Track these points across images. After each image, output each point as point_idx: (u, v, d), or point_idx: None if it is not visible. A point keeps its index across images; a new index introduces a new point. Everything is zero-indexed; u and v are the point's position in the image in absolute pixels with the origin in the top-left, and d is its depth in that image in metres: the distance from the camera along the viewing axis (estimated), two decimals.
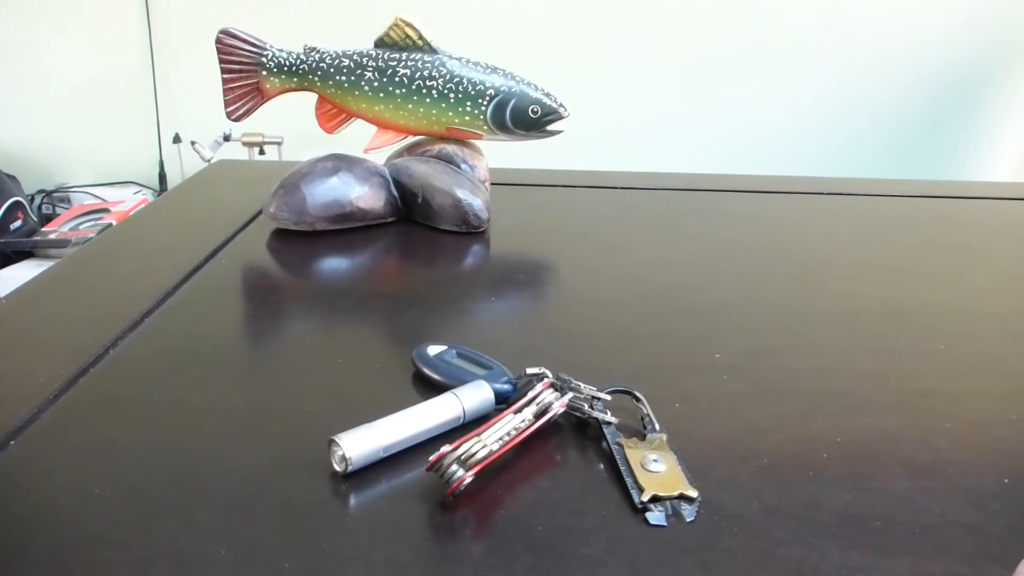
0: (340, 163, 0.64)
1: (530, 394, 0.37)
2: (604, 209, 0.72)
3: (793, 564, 0.30)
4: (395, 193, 0.65)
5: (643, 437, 0.37)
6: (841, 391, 0.43)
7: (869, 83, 2.00)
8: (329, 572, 0.30)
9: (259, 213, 0.66)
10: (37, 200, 2.21)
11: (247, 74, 0.65)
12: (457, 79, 0.62)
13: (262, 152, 2.06)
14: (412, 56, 0.62)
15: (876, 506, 0.33)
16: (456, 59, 0.62)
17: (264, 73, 0.65)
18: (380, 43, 0.63)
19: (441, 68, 0.62)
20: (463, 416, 0.38)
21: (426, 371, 0.42)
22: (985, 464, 0.36)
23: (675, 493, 0.33)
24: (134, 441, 0.37)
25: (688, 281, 0.57)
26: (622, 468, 0.35)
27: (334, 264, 0.60)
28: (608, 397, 0.39)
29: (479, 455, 0.33)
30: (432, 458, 0.33)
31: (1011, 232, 0.68)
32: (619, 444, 0.36)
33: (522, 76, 0.63)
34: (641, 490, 0.33)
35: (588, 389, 0.39)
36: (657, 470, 0.35)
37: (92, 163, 2.26)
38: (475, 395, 0.38)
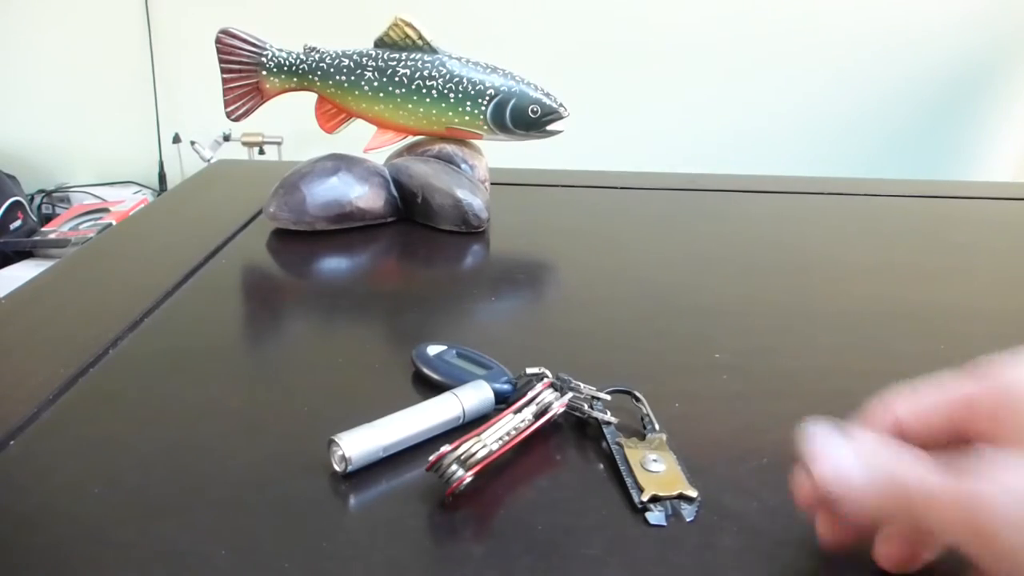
0: (340, 163, 0.64)
1: (530, 394, 0.37)
2: (604, 209, 0.72)
3: (793, 564, 0.30)
4: (395, 193, 0.65)
5: (643, 437, 0.37)
6: (841, 391, 0.42)
7: (870, 83, 2.00)
8: (329, 572, 0.30)
9: (259, 213, 0.66)
10: (37, 200, 2.21)
11: (247, 74, 0.65)
12: (457, 79, 0.62)
13: (262, 152, 2.06)
14: (412, 56, 0.62)
15: None
16: (456, 59, 0.62)
17: (264, 73, 0.65)
18: (380, 43, 0.63)
19: (441, 68, 0.62)
20: (463, 416, 0.38)
21: (426, 371, 0.42)
22: None
23: (675, 493, 0.33)
24: (134, 441, 0.37)
25: (688, 281, 0.57)
26: (622, 468, 0.35)
27: (334, 264, 0.60)
28: (608, 397, 0.39)
29: (479, 455, 0.33)
30: (432, 458, 0.33)
31: (1011, 232, 0.68)
32: (619, 444, 0.36)
33: (522, 76, 0.63)
34: (641, 490, 0.33)
35: (588, 389, 0.39)
36: (657, 470, 0.35)
37: (92, 163, 2.26)
38: (475, 395, 0.38)
